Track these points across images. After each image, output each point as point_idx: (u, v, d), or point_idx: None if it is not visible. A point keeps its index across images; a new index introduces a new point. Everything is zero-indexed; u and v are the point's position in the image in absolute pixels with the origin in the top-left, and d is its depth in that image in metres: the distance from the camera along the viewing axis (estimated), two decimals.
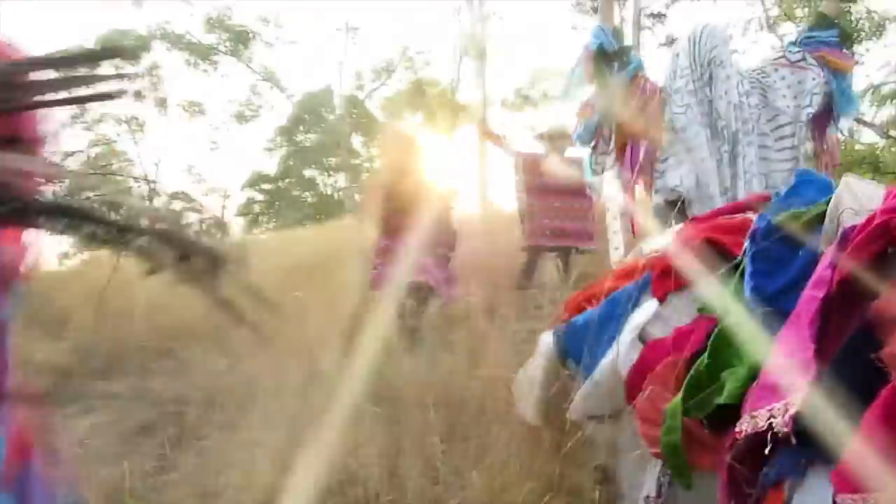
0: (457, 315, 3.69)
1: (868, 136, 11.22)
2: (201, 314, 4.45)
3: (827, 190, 1.50)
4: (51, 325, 5.47)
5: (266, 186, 26.22)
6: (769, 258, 1.37)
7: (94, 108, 22.91)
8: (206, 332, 3.71)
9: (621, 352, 1.58)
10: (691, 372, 1.31)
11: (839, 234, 1.20)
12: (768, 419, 1.06)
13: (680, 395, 1.28)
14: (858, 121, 10.03)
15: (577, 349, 1.81)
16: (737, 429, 1.13)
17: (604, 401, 1.65)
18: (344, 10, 35.66)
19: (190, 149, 29.45)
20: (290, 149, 25.17)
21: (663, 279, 1.65)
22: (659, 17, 19.36)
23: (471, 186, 13.87)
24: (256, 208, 27.06)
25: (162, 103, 23.40)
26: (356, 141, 24.17)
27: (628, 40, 19.30)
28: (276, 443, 2.21)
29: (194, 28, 22.39)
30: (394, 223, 3.80)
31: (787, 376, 1.06)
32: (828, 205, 1.34)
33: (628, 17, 19.16)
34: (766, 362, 1.16)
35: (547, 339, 1.98)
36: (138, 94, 23.10)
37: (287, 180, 25.25)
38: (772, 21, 14.69)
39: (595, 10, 20.03)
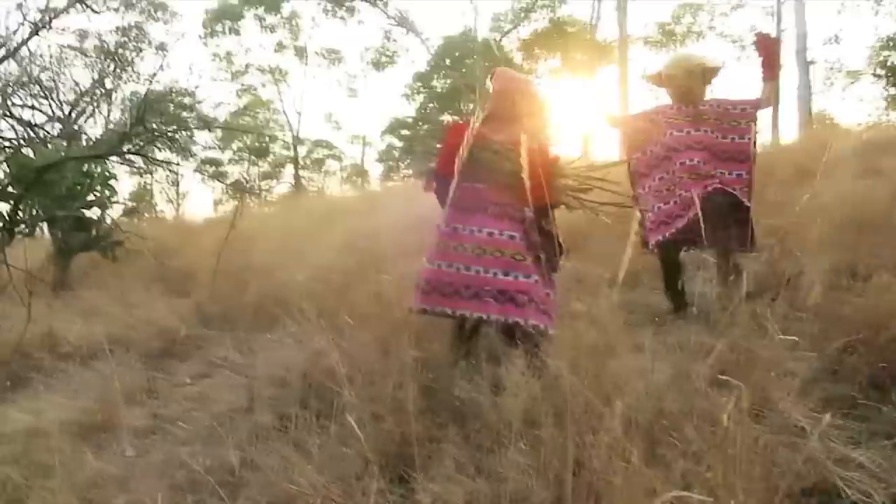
0: None
1: None
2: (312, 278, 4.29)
3: None
4: (176, 282, 5.59)
5: (404, 132, 26.41)
6: None
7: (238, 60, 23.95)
8: (313, 298, 3.46)
9: None
10: None
11: None
12: None
13: None
14: None
15: None
16: None
17: None
18: None
19: (328, 97, 29.84)
20: (427, 94, 25.11)
21: None
22: None
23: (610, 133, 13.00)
24: (395, 154, 27.41)
25: (301, 52, 23.94)
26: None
27: None
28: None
29: None
30: (469, 193, 2.70)
31: None
32: None
33: None
34: None
35: None
36: (279, 44, 23.79)
37: (425, 126, 25.25)
38: None
39: None
